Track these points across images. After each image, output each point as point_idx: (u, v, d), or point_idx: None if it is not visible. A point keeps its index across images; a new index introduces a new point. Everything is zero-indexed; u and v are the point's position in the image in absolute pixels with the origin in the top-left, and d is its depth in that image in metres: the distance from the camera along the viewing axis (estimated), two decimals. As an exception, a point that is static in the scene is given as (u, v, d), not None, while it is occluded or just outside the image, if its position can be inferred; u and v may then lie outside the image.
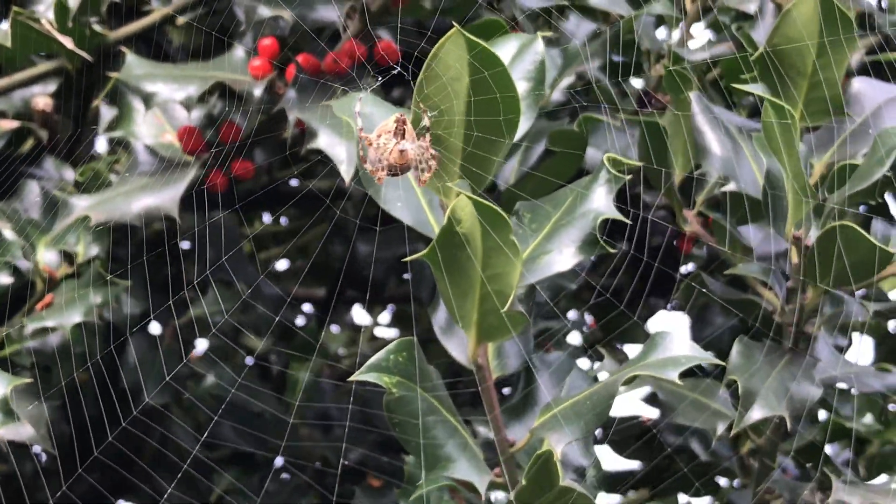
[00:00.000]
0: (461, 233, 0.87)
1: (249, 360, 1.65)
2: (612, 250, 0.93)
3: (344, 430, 1.48)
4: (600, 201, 0.94)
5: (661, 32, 1.56)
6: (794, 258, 1.06)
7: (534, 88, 0.94)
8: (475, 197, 0.83)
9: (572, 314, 1.91)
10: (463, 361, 0.97)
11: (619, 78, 1.48)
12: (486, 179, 0.90)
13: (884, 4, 1.61)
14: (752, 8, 1.38)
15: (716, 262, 1.48)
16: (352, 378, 0.89)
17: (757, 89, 1.00)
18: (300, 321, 1.88)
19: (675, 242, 1.64)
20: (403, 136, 0.85)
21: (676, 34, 1.49)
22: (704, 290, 1.31)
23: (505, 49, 0.95)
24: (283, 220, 1.88)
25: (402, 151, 0.85)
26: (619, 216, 0.93)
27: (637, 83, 1.57)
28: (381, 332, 2.20)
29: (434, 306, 1.02)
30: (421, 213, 0.96)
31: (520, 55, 0.95)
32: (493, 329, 0.91)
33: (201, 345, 1.63)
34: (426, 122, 0.86)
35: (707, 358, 0.89)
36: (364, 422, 1.45)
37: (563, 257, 0.93)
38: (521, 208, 0.98)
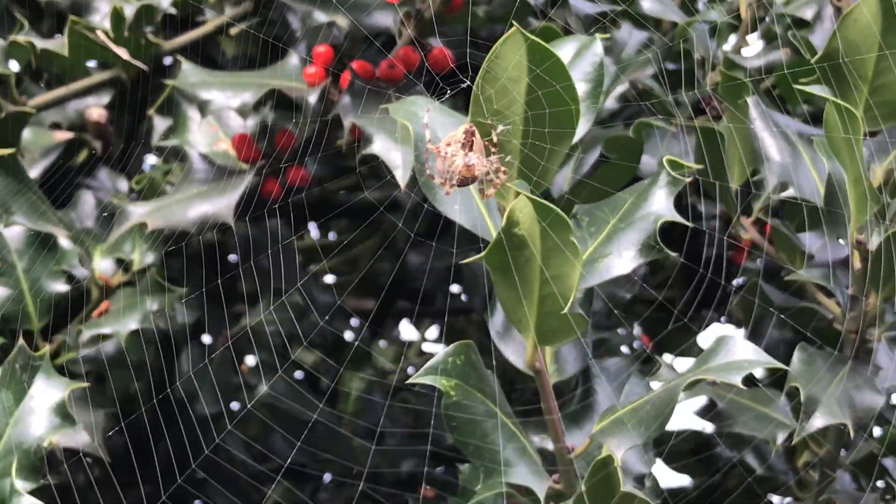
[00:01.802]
0: (520, 234, 0.86)
1: (299, 374, 1.65)
2: (672, 254, 0.92)
3: (395, 441, 1.48)
4: (660, 204, 0.93)
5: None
6: (857, 263, 1.05)
7: (592, 90, 0.93)
8: (534, 197, 0.82)
9: (622, 331, 1.89)
10: (520, 366, 0.96)
11: (672, 86, 1.47)
12: (544, 182, 0.89)
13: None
14: (808, 14, 1.37)
15: (771, 273, 1.47)
16: (410, 381, 0.88)
17: (818, 90, 0.98)
18: (349, 335, 1.88)
19: (728, 253, 1.63)
20: (472, 148, 0.84)
21: (731, 41, 1.47)
22: (757, 301, 1.29)
23: (563, 50, 0.94)
24: (331, 234, 1.88)
25: (468, 165, 0.83)
26: (680, 219, 0.92)
27: (691, 91, 1.56)
28: (428, 347, 2.20)
29: (490, 311, 1.01)
30: (478, 216, 0.95)
31: (578, 57, 0.94)
32: (552, 332, 0.90)
33: (253, 354, 1.63)
34: (495, 136, 0.84)
35: (771, 362, 0.88)
36: (415, 434, 1.44)
37: (623, 261, 0.92)
38: (578, 211, 0.97)
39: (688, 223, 0.93)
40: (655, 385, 1.16)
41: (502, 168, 0.84)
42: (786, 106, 1.52)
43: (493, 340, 0.98)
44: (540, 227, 0.84)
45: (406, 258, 1.60)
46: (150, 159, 1.53)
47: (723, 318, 1.79)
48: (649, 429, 0.88)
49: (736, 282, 1.72)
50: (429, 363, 0.89)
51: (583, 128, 0.90)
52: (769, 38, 1.48)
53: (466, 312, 1.87)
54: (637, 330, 1.88)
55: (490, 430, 0.91)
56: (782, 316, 1.28)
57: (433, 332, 2.20)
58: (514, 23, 0.83)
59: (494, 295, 1.00)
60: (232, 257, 1.55)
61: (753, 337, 1.57)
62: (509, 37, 0.84)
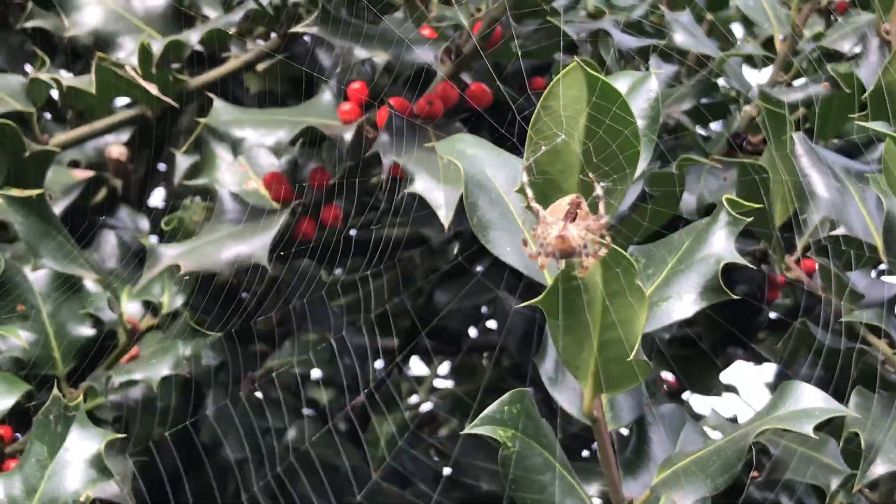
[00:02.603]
0: (580, 277, 0.82)
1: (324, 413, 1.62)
2: (733, 297, 0.89)
3: (428, 485, 1.44)
4: (720, 245, 0.90)
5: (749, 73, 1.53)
6: (916, 304, 1.01)
7: (649, 126, 0.90)
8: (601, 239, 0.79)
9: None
10: (575, 414, 0.93)
11: (707, 120, 1.45)
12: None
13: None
14: (846, 47, 1.34)
15: (807, 310, 1.43)
16: (466, 430, 0.84)
17: (879, 126, 0.95)
18: (374, 372, 1.85)
19: (761, 290, 1.59)
20: (574, 220, 0.78)
21: (767, 75, 1.45)
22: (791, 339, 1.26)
23: (617, 85, 0.91)
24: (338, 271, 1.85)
25: (563, 237, 0.77)
26: (743, 261, 0.89)
27: (723, 125, 1.53)
28: (438, 383, 2.16)
29: (541, 356, 0.97)
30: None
31: (633, 92, 0.91)
32: (613, 379, 0.86)
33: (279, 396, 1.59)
34: (598, 191, 0.80)
35: (841, 410, 0.84)
36: (451, 476, 1.41)
37: (684, 304, 0.88)
38: (634, 252, 0.94)
39: (750, 265, 0.89)
40: (707, 431, 1.13)
41: (607, 237, 0.78)
42: (816, 141, 1.49)
43: (546, 387, 0.94)
44: (603, 270, 0.81)
45: (434, 296, 1.57)
46: (156, 198, 1.50)
47: (745, 356, 1.76)
48: (715, 480, 0.85)
49: (763, 317, 1.69)
50: (485, 412, 0.86)
51: (641, 165, 0.87)
52: (805, 73, 1.46)
53: (482, 350, 1.84)
54: (669, 376, 1.84)
55: (548, 483, 0.87)
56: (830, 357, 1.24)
57: (444, 367, 2.17)
58: (576, 58, 0.80)
59: (545, 339, 0.97)
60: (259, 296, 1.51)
61: (789, 372, 1.54)
62: (569, 72, 0.81)
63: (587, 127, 0.82)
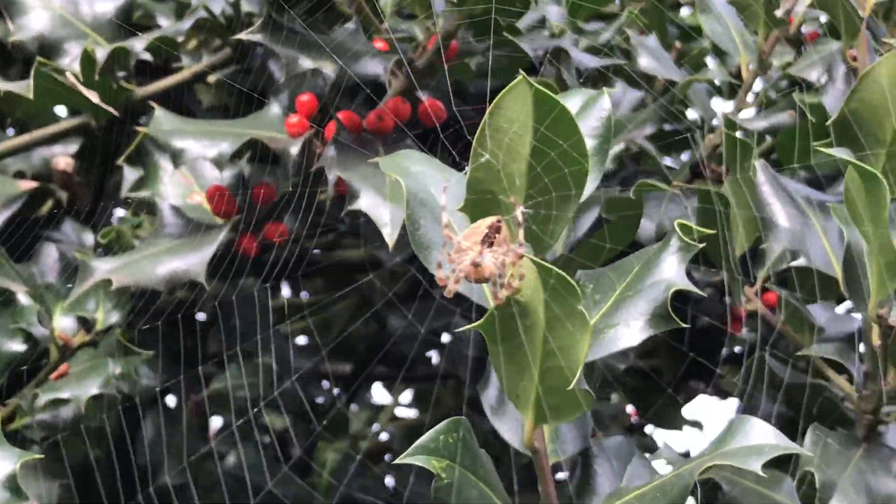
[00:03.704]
0: (521, 301, 0.78)
1: (268, 440, 1.57)
2: (683, 325, 0.85)
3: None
4: (671, 271, 0.86)
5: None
6: (876, 339, 0.98)
7: (600, 146, 0.86)
8: (541, 261, 0.75)
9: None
10: (516, 444, 0.88)
11: (669, 147, 1.42)
12: (550, 243, 0.82)
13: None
14: (813, 76, 1.31)
15: (772, 345, 1.40)
16: (398, 461, 0.80)
17: (843, 154, 0.92)
18: (320, 399, 1.80)
19: (723, 323, 1.56)
20: (492, 245, 0.74)
21: (731, 103, 1.42)
22: (754, 376, 1.22)
23: (569, 104, 0.87)
24: (304, 295, 1.81)
25: (476, 266, 0.73)
26: (693, 288, 0.85)
27: (687, 153, 1.50)
28: (400, 412, 2.12)
29: (483, 384, 0.93)
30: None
31: (585, 111, 0.87)
32: (554, 409, 0.82)
33: (219, 421, 1.54)
34: (518, 217, 0.76)
35: (792, 447, 0.80)
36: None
37: (631, 331, 0.84)
38: (581, 277, 0.89)
39: (701, 293, 0.85)
40: (656, 464, 1.08)
41: (522, 272, 0.74)
42: (782, 170, 1.46)
43: (487, 416, 0.90)
44: (545, 295, 0.77)
45: (386, 321, 1.52)
46: (119, 212, 1.46)
47: (709, 390, 1.73)
48: (659, 518, 0.80)
49: (725, 351, 1.66)
50: (418, 441, 0.81)
51: (590, 186, 0.83)
52: (771, 101, 1.43)
53: (443, 378, 1.79)
54: (615, 397, 1.81)
55: (484, 515, 0.82)
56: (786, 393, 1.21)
57: (407, 396, 2.13)
58: (520, 71, 0.76)
59: (488, 366, 0.93)
60: (201, 316, 1.47)
61: (746, 410, 1.50)
62: (513, 87, 0.77)
63: (533, 144, 0.79)
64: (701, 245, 0.86)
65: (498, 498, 0.83)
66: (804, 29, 1.53)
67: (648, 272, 0.86)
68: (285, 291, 1.76)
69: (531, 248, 0.79)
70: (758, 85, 1.45)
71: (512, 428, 0.89)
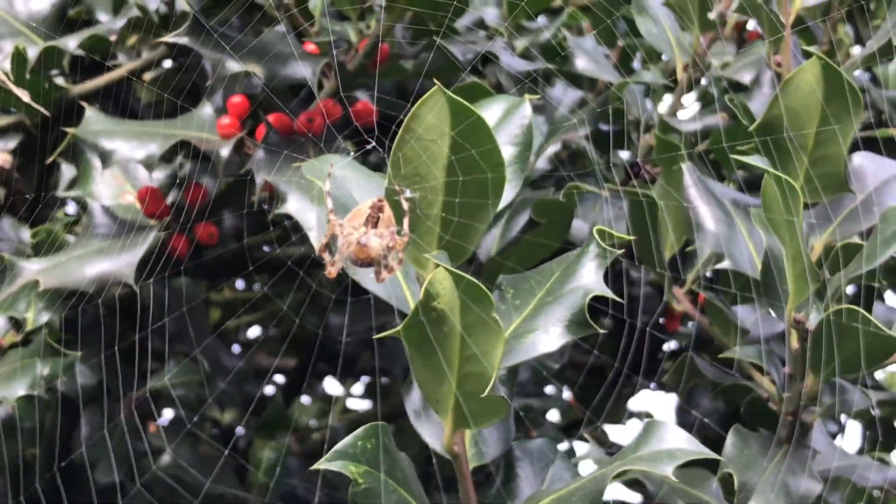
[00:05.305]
0: (439, 308, 0.79)
1: (209, 434, 1.57)
2: (601, 331, 0.86)
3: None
4: (590, 277, 0.87)
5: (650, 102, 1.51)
6: (795, 343, 0.99)
7: (520, 154, 0.87)
8: (454, 270, 0.76)
9: (550, 389, 1.84)
10: (438, 449, 0.89)
11: (606, 147, 1.42)
12: (467, 250, 0.83)
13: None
14: (746, 78, 1.33)
15: (705, 343, 1.42)
16: (316, 466, 0.81)
17: (758, 161, 0.93)
18: (269, 391, 1.80)
19: (661, 320, 1.58)
20: (376, 225, 0.77)
21: (667, 104, 1.43)
22: (686, 376, 1.24)
23: (490, 111, 0.88)
24: (255, 287, 1.81)
25: (362, 246, 0.75)
26: (610, 294, 0.86)
27: (625, 154, 1.51)
28: (353, 403, 2.12)
29: (407, 387, 0.94)
30: (396, 287, 0.88)
31: (506, 118, 0.88)
32: (471, 415, 0.83)
33: (161, 418, 1.54)
34: (405, 204, 0.77)
35: (704, 452, 0.82)
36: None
37: (550, 337, 0.85)
38: (503, 282, 0.91)
39: (619, 299, 0.86)
40: (583, 466, 1.10)
41: (401, 255, 0.76)
42: (720, 171, 1.48)
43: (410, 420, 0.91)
44: (460, 302, 0.78)
45: (328, 318, 1.53)
46: (70, 209, 1.45)
47: (653, 385, 1.75)
48: (575, 521, 0.81)
49: (668, 347, 1.68)
50: (337, 446, 0.82)
51: (509, 194, 0.84)
52: (705, 102, 1.44)
53: (390, 375, 1.80)
54: (566, 394, 1.82)
55: (401, 519, 0.83)
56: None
57: (359, 387, 2.13)
58: (435, 80, 0.77)
59: (411, 371, 0.94)
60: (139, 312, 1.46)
61: (686, 406, 1.52)
62: (431, 95, 0.78)
63: (450, 151, 0.79)
64: (619, 252, 0.88)
65: (416, 502, 0.84)
66: (749, 27, 1.54)
67: (567, 278, 0.88)
68: (239, 284, 1.76)
69: (446, 256, 0.80)
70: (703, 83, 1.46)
71: (434, 432, 0.90)
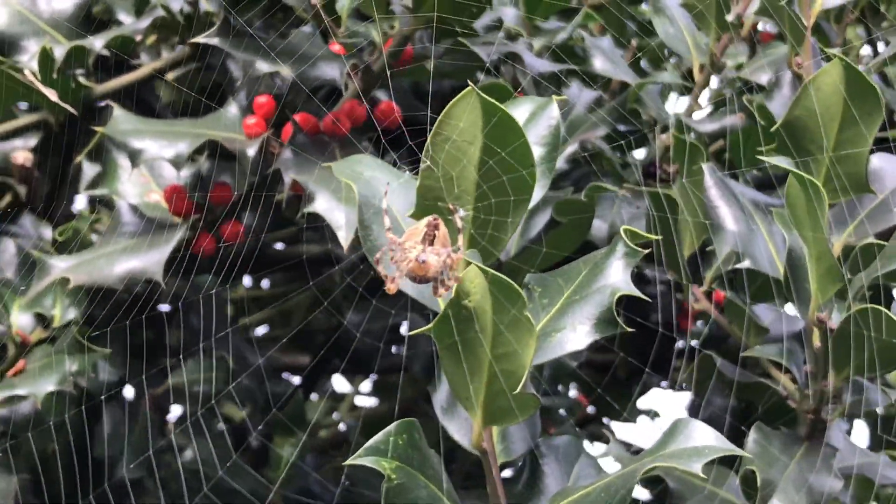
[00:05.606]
0: (470, 307, 0.80)
1: (227, 430, 1.58)
2: (629, 329, 0.87)
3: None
4: (617, 276, 0.88)
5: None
6: (817, 342, 1.00)
7: (548, 154, 0.88)
8: (487, 269, 0.77)
9: (565, 387, 1.85)
10: (466, 445, 0.90)
11: (623, 147, 1.44)
12: (498, 250, 0.84)
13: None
14: (763, 79, 1.34)
15: (721, 343, 1.43)
16: (348, 462, 0.82)
17: (782, 162, 0.94)
18: (281, 390, 1.81)
19: (675, 318, 1.59)
20: (432, 243, 0.78)
21: (684, 104, 1.44)
22: (694, 373, 1.25)
23: (518, 112, 0.89)
24: (265, 284, 1.82)
25: (422, 263, 0.77)
26: (638, 293, 0.87)
27: (641, 153, 1.52)
28: (360, 400, 2.13)
29: (434, 385, 0.95)
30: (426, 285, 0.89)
31: (533, 119, 0.89)
32: (501, 412, 0.84)
33: (178, 414, 1.55)
34: (458, 222, 0.78)
35: (732, 449, 0.83)
36: (353, 499, 1.37)
37: (578, 335, 0.86)
38: (530, 282, 0.92)
39: (646, 298, 0.88)
40: (606, 462, 1.11)
41: (457, 274, 0.77)
42: (735, 171, 1.49)
43: (437, 417, 0.92)
44: (492, 301, 0.79)
45: (344, 316, 1.54)
46: (80, 202, 1.46)
47: (663, 384, 1.76)
48: (603, 517, 0.83)
49: (678, 346, 1.69)
50: (368, 443, 0.83)
51: (538, 194, 0.85)
52: (721, 103, 1.45)
53: (402, 370, 1.81)
54: (572, 392, 1.83)
55: (433, 515, 0.84)
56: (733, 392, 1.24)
57: (366, 385, 2.14)
58: (469, 82, 0.78)
59: (440, 367, 0.95)
60: (161, 309, 1.47)
61: (698, 404, 1.53)
62: (463, 96, 0.79)
63: (482, 152, 0.80)
64: (646, 251, 0.89)
65: (447, 498, 0.85)
66: (760, 27, 1.55)
67: (595, 277, 0.89)
68: (247, 282, 1.77)
69: (478, 255, 0.81)
70: (715, 83, 1.47)
71: (461, 428, 0.91)
